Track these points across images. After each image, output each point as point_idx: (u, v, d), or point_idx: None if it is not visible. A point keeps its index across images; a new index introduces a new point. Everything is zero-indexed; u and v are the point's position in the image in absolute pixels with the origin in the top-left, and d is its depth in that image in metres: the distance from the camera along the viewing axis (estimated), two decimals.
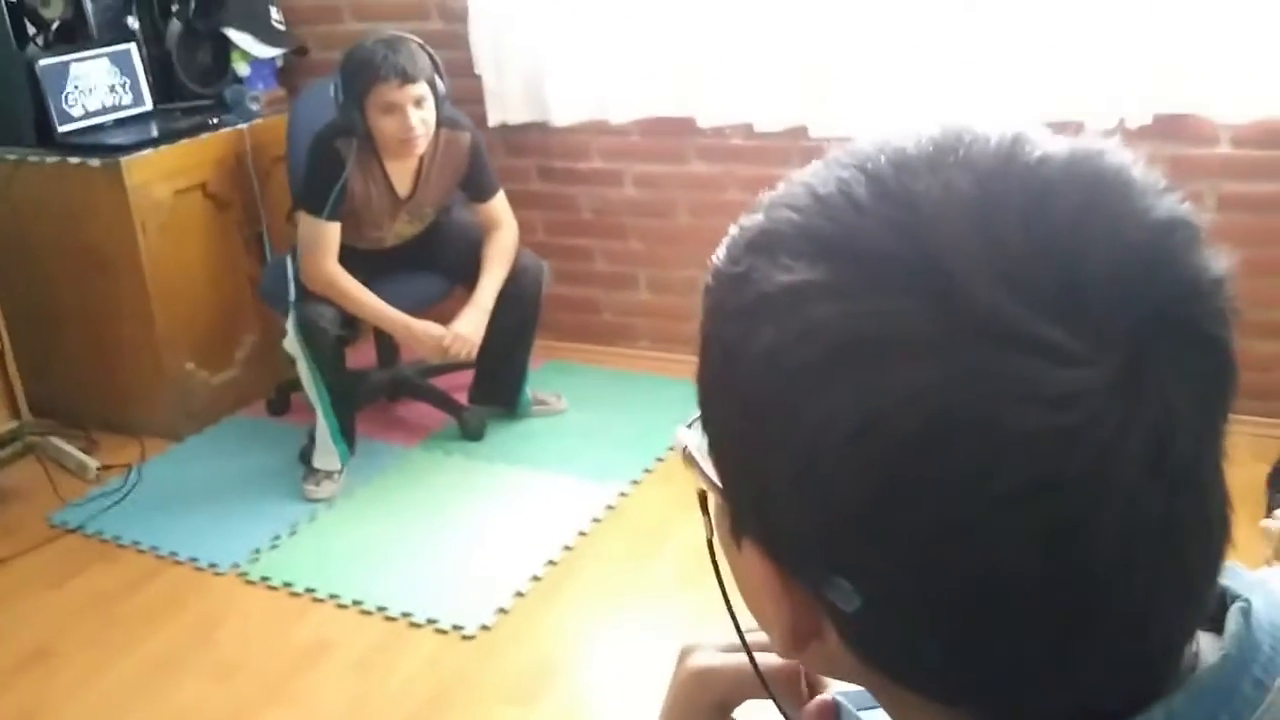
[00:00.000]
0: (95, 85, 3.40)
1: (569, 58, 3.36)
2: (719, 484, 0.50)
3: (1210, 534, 0.44)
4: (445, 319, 3.05)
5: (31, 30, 3.39)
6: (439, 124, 2.96)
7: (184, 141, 3.34)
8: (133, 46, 3.50)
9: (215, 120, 3.45)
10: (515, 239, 3.17)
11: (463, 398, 3.34)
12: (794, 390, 0.42)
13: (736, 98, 3.20)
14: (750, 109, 3.20)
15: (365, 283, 3.01)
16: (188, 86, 3.59)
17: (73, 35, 3.44)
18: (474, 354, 3.06)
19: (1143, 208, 0.42)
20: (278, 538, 2.87)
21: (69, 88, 3.34)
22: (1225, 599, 0.48)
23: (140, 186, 3.19)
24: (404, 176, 3.04)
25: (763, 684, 0.62)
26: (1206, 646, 0.47)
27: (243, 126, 3.47)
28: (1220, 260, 0.43)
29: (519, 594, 2.60)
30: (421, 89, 2.86)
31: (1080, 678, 0.43)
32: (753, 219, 0.48)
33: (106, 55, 3.43)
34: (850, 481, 0.41)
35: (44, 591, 2.75)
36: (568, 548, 2.75)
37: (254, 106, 3.56)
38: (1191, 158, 2.80)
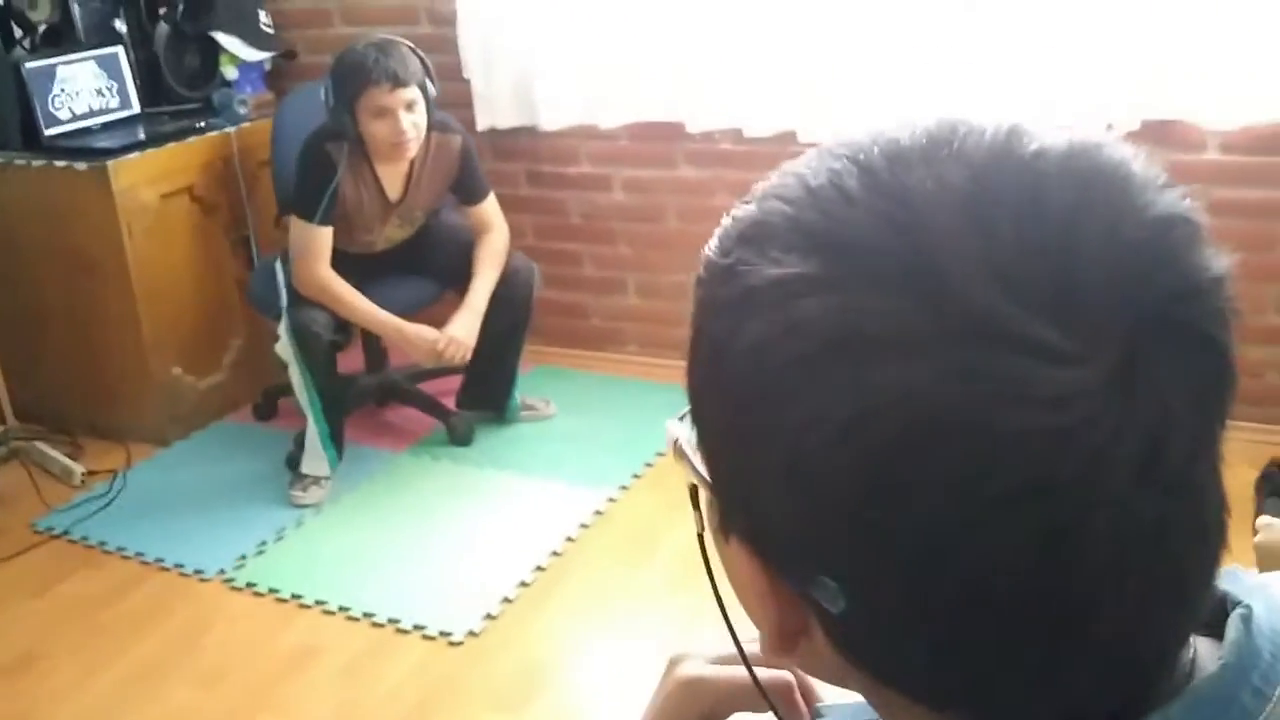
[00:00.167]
0: (82, 88, 3.39)
1: (558, 62, 3.35)
2: (708, 479, 0.49)
3: (1205, 539, 0.43)
4: (435, 323, 3.04)
5: (18, 33, 3.37)
6: (429, 127, 2.95)
7: (171, 145, 3.33)
8: (120, 49, 3.48)
9: (203, 124, 3.43)
10: (506, 241, 3.16)
11: (451, 403, 3.33)
12: (780, 386, 0.41)
13: (726, 103, 3.19)
14: (739, 114, 3.20)
15: (356, 287, 3.00)
16: (175, 90, 3.58)
17: (59, 38, 3.43)
18: (468, 357, 3.05)
19: (1142, 204, 0.41)
20: (264, 544, 2.86)
21: (55, 91, 3.32)
22: (1226, 604, 0.47)
23: (127, 190, 3.18)
24: (395, 180, 3.03)
25: (762, 694, 0.61)
26: (1205, 653, 0.46)
27: (230, 130, 3.45)
28: (1220, 259, 0.42)
29: (507, 600, 2.58)
30: (413, 93, 2.85)
31: (1069, 683, 0.42)
32: (745, 210, 0.47)
33: (93, 58, 3.42)
34: (836, 480, 0.40)
35: (28, 598, 2.73)
36: (556, 554, 2.74)
37: (242, 110, 3.55)
38: (1179, 163, 2.80)
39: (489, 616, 2.53)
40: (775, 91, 3.12)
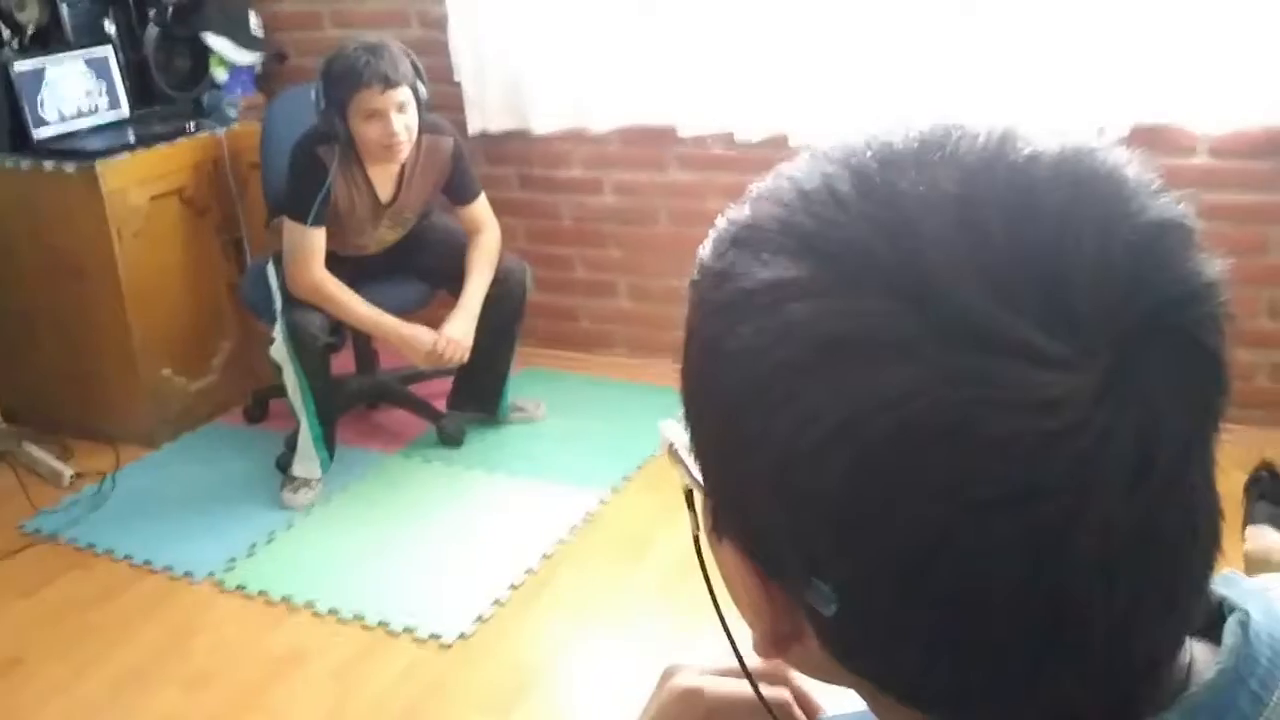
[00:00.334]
0: (71, 90, 3.38)
1: (549, 66, 3.35)
2: (702, 482, 0.50)
3: (1197, 544, 0.43)
4: (429, 324, 3.03)
5: (6, 34, 3.36)
6: (420, 129, 2.95)
7: (161, 147, 3.32)
8: (109, 51, 3.47)
9: (193, 126, 3.43)
10: (499, 241, 3.16)
11: (442, 405, 3.32)
12: (771, 390, 0.41)
13: (717, 107, 3.20)
14: (731, 118, 3.20)
15: (350, 289, 2.99)
16: (165, 92, 3.57)
17: (48, 39, 3.42)
18: (465, 357, 3.05)
19: (1135, 208, 0.41)
20: (254, 546, 2.85)
21: (44, 92, 3.31)
22: (1223, 608, 0.47)
23: (116, 192, 3.17)
24: (386, 182, 3.02)
25: (766, 707, 0.61)
26: (1201, 658, 0.46)
27: (220, 132, 3.45)
28: (1213, 264, 0.42)
29: (498, 602, 2.58)
30: (404, 94, 2.84)
31: (1060, 686, 0.42)
32: (739, 212, 0.47)
33: (82, 60, 3.41)
34: (826, 484, 0.40)
35: (15, 600, 2.72)
36: (547, 556, 2.74)
37: (232, 112, 3.54)
38: (1169, 168, 2.79)
39: (480, 619, 2.53)
40: (766, 96, 3.12)
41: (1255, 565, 1.20)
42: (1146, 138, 2.78)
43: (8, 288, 3.35)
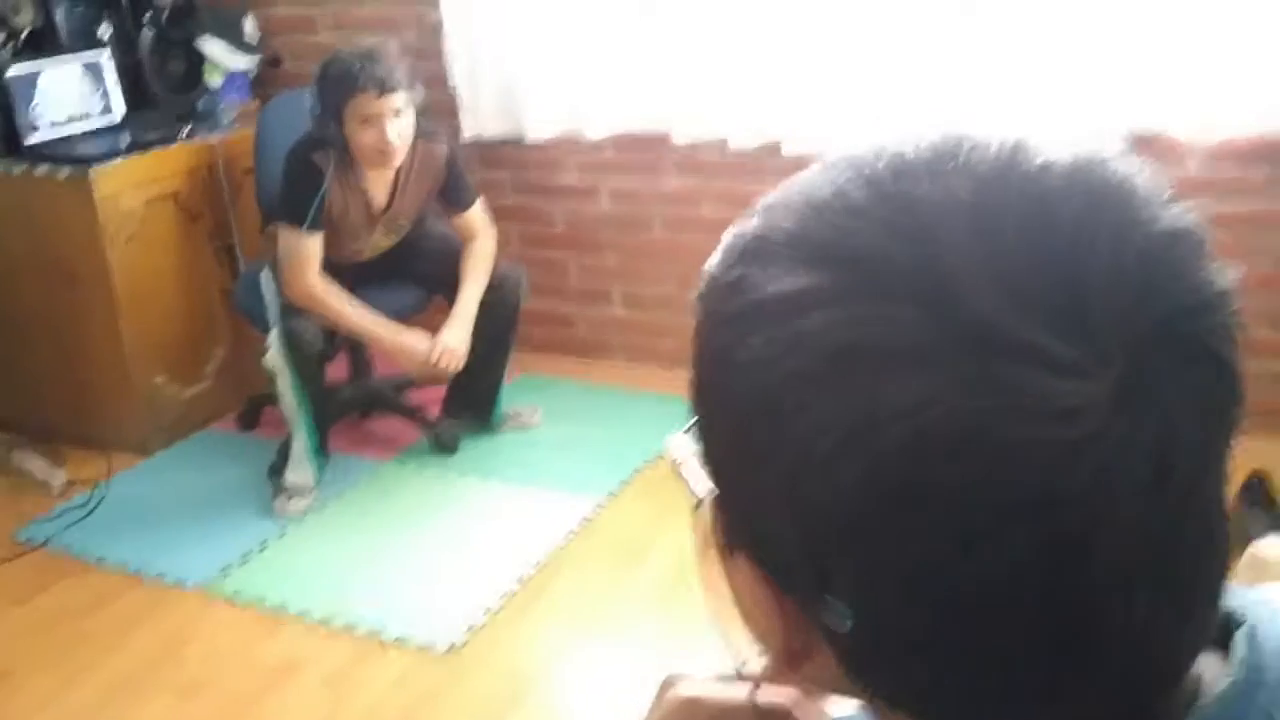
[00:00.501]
0: (65, 94, 3.37)
1: (544, 72, 3.35)
2: (710, 495, 0.49)
3: (1213, 553, 0.43)
4: (424, 330, 3.02)
5: (0, 38, 3.35)
6: (415, 135, 2.94)
7: (155, 152, 3.31)
8: (104, 55, 3.46)
9: (187, 130, 3.41)
10: (494, 248, 3.15)
11: (435, 412, 3.31)
12: (785, 400, 0.41)
13: (711, 114, 3.20)
14: (725, 125, 3.20)
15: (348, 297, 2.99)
16: (159, 96, 3.56)
17: (42, 44, 3.41)
18: (461, 365, 3.04)
19: (1147, 217, 0.41)
20: (247, 554, 2.84)
21: (38, 97, 3.30)
22: (1230, 620, 0.47)
23: (110, 197, 3.16)
24: (381, 188, 3.02)
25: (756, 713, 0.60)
26: (1210, 670, 0.46)
27: (215, 137, 3.44)
28: (1225, 273, 0.42)
29: (492, 610, 2.57)
30: (400, 100, 2.84)
31: (1076, 700, 0.42)
32: (747, 224, 0.47)
33: (77, 64, 3.40)
34: (842, 495, 0.40)
35: (7, 608, 2.70)
36: (542, 563, 2.73)
37: (226, 117, 3.54)
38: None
39: (473, 628, 2.52)
40: (760, 103, 3.12)
41: (1261, 573, 1.20)
42: (1139, 146, 2.78)
43: (0, 293, 3.34)
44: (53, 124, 3.33)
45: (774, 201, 0.46)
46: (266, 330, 2.97)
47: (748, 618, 0.50)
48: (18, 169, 3.22)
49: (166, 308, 3.36)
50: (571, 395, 3.52)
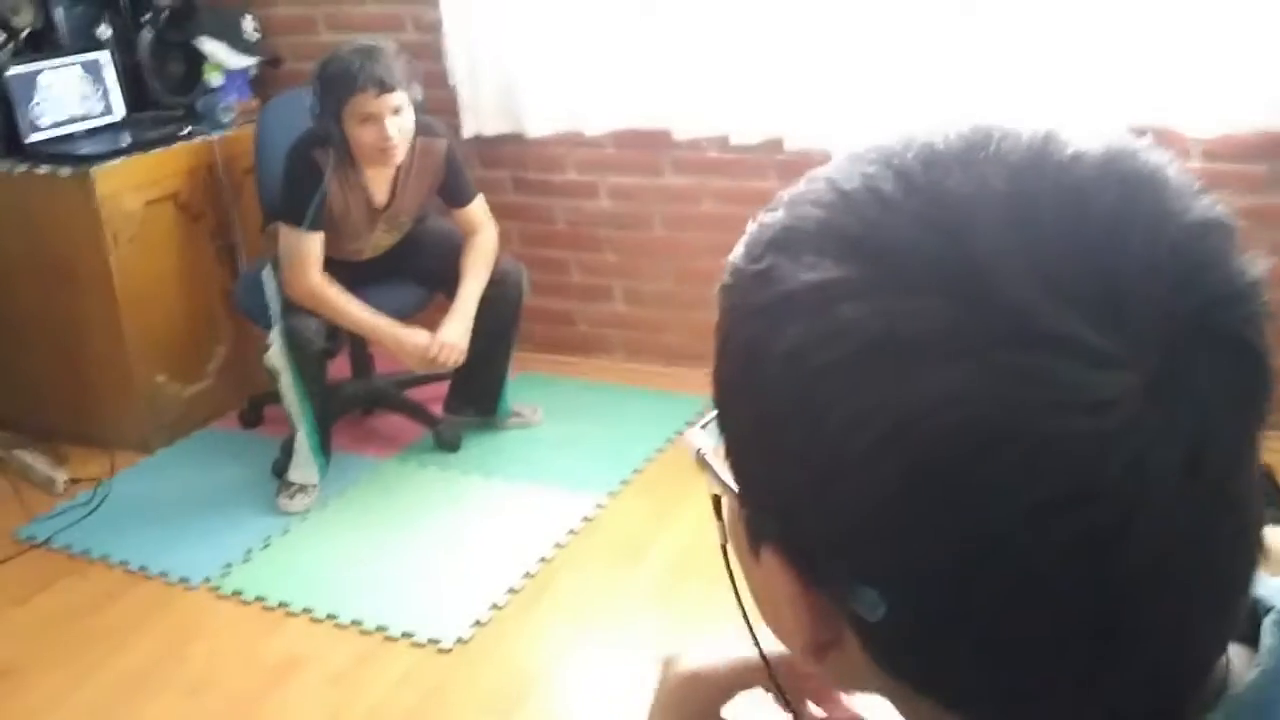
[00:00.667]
0: (65, 94, 3.37)
1: (544, 69, 3.35)
2: (735, 488, 0.49)
3: (1245, 543, 0.43)
4: (426, 328, 3.03)
5: (0, 38, 3.35)
6: (415, 132, 2.94)
7: (155, 151, 3.31)
8: (104, 55, 3.47)
9: (187, 130, 3.42)
10: (495, 243, 3.15)
11: (438, 409, 3.31)
12: (820, 391, 0.41)
13: (712, 110, 3.20)
14: (726, 121, 3.20)
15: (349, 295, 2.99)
16: (160, 96, 3.56)
17: (42, 44, 3.41)
18: (461, 360, 3.04)
19: (1180, 208, 0.41)
20: (250, 551, 2.84)
21: (38, 97, 3.30)
22: (1257, 609, 0.47)
23: (110, 197, 3.16)
24: (381, 185, 3.02)
25: (769, 673, 0.60)
26: (1239, 659, 0.46)
27: (215, 137, 3.44)
28: (1255, 264, 0.42)
29: (496, 607, 2.57)
30: (399, 98, 2.84)
31: (1108, 691, 0.42)
32: (773, 216, 0.46)
33: (77, 64, 3.40)
34: (877, 487, 0.40)
35: (9, 608, 2.70)
36: (545, 560, 2.74)
37: (227, 117, 3.54)
38: None
39: (478, 623, 2.52)
40: (761, 99, 3.12)
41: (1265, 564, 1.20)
42: None
43: (1, 293, 3.34)
44: (53, 124, 3.34)
45: (800, 192, 0.46)
46: (268, 328, 2.98)
47: (771, 611, 0.50)
48: (19, 169, 3.22)
49: (167, 307, 3.36)
50: (572, 393, 3.52)
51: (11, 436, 3.33)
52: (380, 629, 2.52)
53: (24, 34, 3.38)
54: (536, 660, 2.44)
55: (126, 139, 3.36)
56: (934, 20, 2.89)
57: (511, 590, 2.63)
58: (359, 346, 3.35)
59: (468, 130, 3.50)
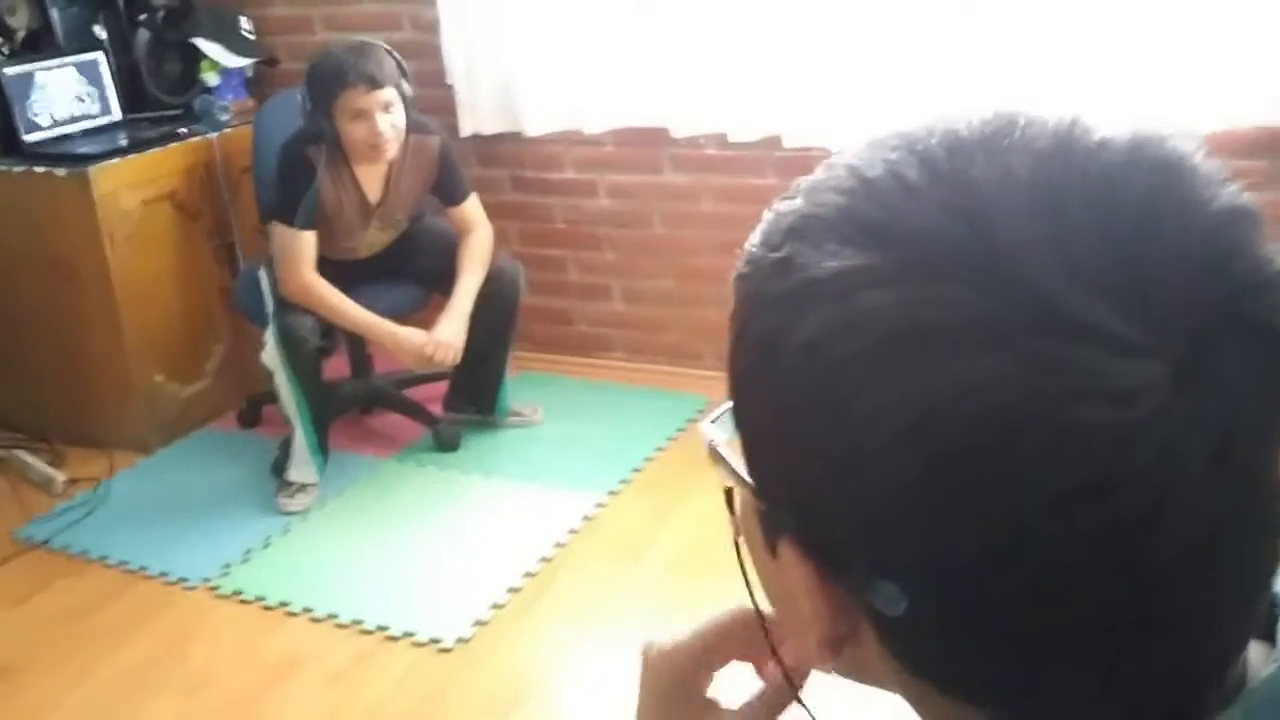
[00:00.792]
0: (62, 94, 3.36)
1: (542, 67, 3.35)
2: (751, 481, 0.48)
3: (1270, 536, 0.42)
4: (423, 327, 3.02)
5: None
6: (407, 129, 2.94)
7: (152, 151, 3.30)
8: (100, 56, 3.46)
9: (184, 130, 3.41)
10: (490, 241, 3.15)
11: (437, 409, 3.31)
12: (842, 381, 0.40)
13: (711, 107, 3.19)
14: (725, 119, 3.20)
15: (343, 293, 2.98)
16: (156, 96, 3.55)
17: (39, 44, 3.41)
18: (457, 359, 3.04)
19: (1207, 196, 0.41)
20: (250, 551, 2.83)
21: (35, 96, 3.30)
22: (1274, 605, 0.46)
23: (108, 196, 3.15)
24: (374, 182, 3.02)
25: (764, 630, 0.59)
26: (1256, 655, 0.46)
27: (212, 136, 3.44)
28: None
29: (496, 606, 2.57)
30: (389, 94, 2.84)
31: (1132, 683, 0.41)
32: (791, 204, 0.46)
33: (73, 64, 3.40)
34: (900, 478, 0.39)
35: (8, 608, 2.70)
36: (545, 559, 2.73)
37: (223, 116, 3.53)
38: None
39: (479, 623, 2.51)
40: (760, 96, 3.12)
41: None
42: None
43: None
44: (50, 124, 3.33)
45: (819, 179, 0.46)
46: (264, 327, 2.97)
47: (786, 606, 0.49)
48: (17, 169, 3.21)
49: (166, 306, 3.36)
50: (572, 392, 3.52)
51: (10, 437, 3.33)
52: (381, 628, 2.52)
53: (21, 34, 3.37)
54: (537, 659, 2.44)
55: (123, 139, 3.35)
56: (933, 16, 2.89)
57: (512, 589, 2.62)
58: (358, 346, 3.34)
59: (465, 129, 3.49)
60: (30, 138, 3.27)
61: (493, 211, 3.24)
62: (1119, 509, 0.38)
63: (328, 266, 2.99)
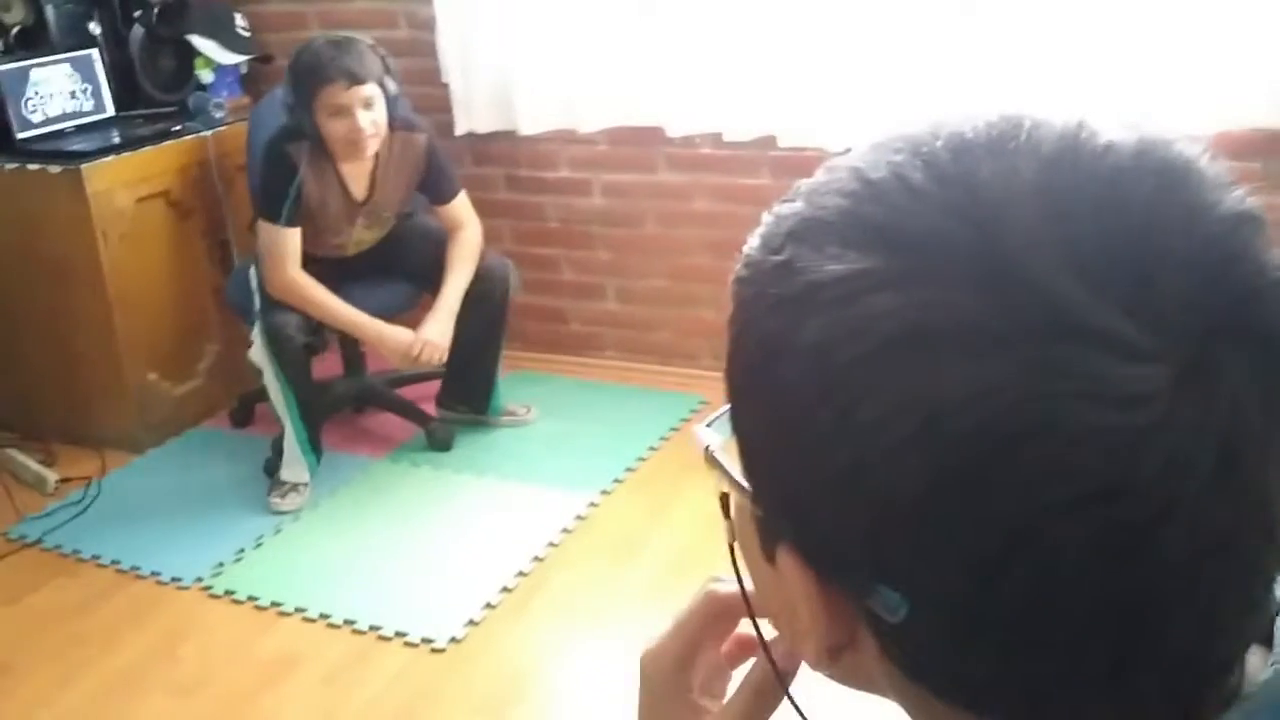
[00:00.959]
0: (56, 91, 3.35)
1: (537, 66, 3.34)
2: (748, 486, 0.48)
3: (1272, 541, 0.42)
4: (415, 325, 3.02)
5: None
6: (393, 126, 2.93)
7: (146, 148, 3.29)
8: (95, 52, 3.45)
9: (178, 127, 3.40)
10: (479, 239, 3.14)
11: (430, 408, 3.30)
12: (845, 386, 0.40)
13: (706, 107, 3.19)
14: (719, 118, 3.19)
15: (331, 291, 2.97)
16: (150, 93, 3.54)
17: (33, 41, 3.39)
18: (444, 358, 3.03)
19: (1213, 200, 0.41)
20: (242, 551, 2.82)
21: (29, 93, 3.29)
22: (1272, 609, 0.46)
23: (101, 194, 3.14)
24: (359, 179, 3.01)
25: (749, 611, 0.58)
26: (1254, 660, 0.45)
27: (206, 134, 3.43)
28: None
29: (489, 606, 2.57)
30: (370, 90, 2.83)
31: (1133, 692, 0.41)
32: (790, 206, 0.45)
33: (68, 61, 3.38)
34: (906, 482, 0.39)
35: (0, 607, 2.69)
36: (538, 559, 2.73)
37: (218, 114, 3.52)
38: None
39: (472, 623, 2.51)
40: (755, 96, 3.12)
41: None
42: None
43: None
44: (44, 121, 3.32)
45: (820, 182, 0.45)
46: (252, 325, 2.97)
47: (783, 611, 0.49)
48: (10, 165, 3.20)
49: (159, 305, 3.35)
50: (565, 391, 3.51)
51: (2, 435, 3.31)
52: (373, 628, 2.51)
53: (15, 31, 3.36)
54: (530, 659, 2.44)
55: (117, 136, 3.34)
56: (930, 17, 2.89)
57: (505, 589, 2.62)
58: (350, 344, 3.33)
59: (460, 127, 3.49)
60: (23, 135, 3.26)
61: (487, 210, 3.24)
62: (1125, 514, 0.38)
63: (317, 264, 2.98)
